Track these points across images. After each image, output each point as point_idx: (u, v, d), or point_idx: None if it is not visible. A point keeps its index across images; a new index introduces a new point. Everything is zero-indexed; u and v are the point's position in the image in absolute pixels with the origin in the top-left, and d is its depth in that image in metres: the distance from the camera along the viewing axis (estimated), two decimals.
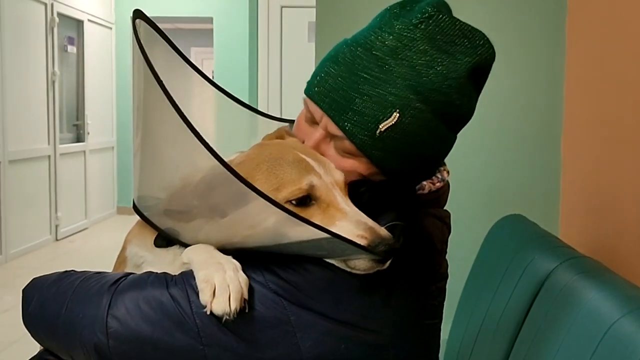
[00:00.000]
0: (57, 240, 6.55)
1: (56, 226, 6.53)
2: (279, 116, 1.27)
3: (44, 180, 6.32)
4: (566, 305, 1.24)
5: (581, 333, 1.13)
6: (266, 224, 0.88)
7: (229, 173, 0.83)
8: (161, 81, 0.86)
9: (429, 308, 1.02)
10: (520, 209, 1.98)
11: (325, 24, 2.41)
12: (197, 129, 0.83)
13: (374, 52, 1.01)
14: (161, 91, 0.85)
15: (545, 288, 1.38)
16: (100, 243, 6.55)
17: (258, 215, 0.87)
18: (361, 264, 0.90)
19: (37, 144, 6.17)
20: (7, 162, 5.59)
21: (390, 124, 0.99)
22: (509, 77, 2.38)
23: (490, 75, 1.08)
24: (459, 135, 1.12)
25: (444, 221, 1.10)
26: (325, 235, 0.85)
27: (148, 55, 0.89)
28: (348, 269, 0.92)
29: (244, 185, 0.83)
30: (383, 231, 0.89)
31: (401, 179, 1.05)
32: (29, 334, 1.03)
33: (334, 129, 1.03)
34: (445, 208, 1.15)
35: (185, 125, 0.83)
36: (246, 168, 0.93)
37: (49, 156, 6.39)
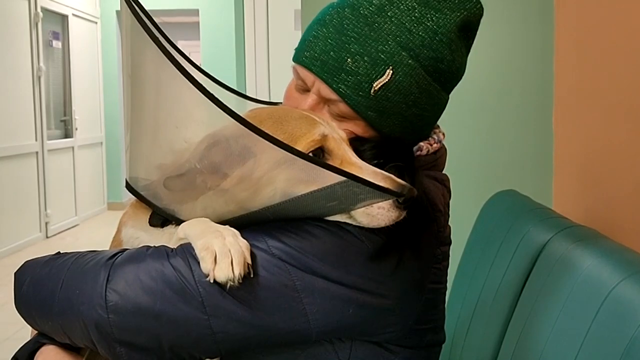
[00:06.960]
0: (47, 237, 6.51)
1: (46, 223, 6.49)
2: (267, 100, 1.25)
3: (32, 178, 6.27)
4: (564, 273, 1.22)
5: (581, 300, 1.11)
6: (277, 175, 0.85)
7: (238, 124, 0.79)
8: (158, 39, 0.83)
9: (434, 272, 1.00)
10: (512, 185, 1.97)
11: (311, 12, 2.38)
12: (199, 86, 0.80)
13: (361, 11, 1.00)
14: (159, 51, 0.82)
15: (542, 258, 1.36)
16: (91, 239, 6.51)
17: (268, 166, 0.85)
18: (383, 216, 0.88)
19: (24, 140, 6.12)
20: None
21: (385, 81, 0.98)
22: (498, 51, 2.37)
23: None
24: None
25: (444, 184, 1.09)
26: (341, 178, 0.81)
27: (145, 20, 0.86)
28: (364, 224, 0.90)
29: (256, 136, 0.79)
30: (399, 179, 0.87)
31: (397, 142, 1.04)
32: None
33: (327, 93, 1.01)
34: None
35: (188, 81, 0.80)
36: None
37: (37, 153, 6.34)
